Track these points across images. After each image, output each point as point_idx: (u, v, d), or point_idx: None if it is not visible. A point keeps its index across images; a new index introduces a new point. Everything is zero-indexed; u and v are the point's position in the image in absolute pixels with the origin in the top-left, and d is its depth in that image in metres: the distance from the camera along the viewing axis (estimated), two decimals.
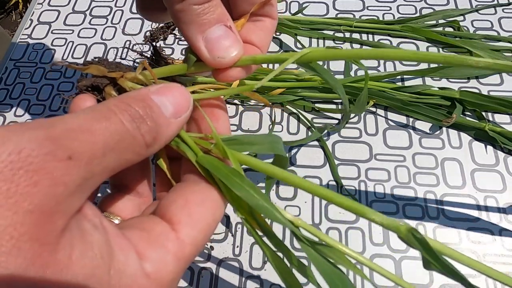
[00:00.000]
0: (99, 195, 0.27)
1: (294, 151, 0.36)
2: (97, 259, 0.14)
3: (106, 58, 0.22)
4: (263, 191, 0.19)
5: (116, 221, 0.19)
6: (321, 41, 0.43)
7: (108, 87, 0.21)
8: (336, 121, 0.37)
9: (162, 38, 0.45)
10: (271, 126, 0.37)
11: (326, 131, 0.36)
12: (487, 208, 0.31)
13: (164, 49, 0.44)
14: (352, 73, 0.40)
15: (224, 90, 0.21)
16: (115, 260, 0.14)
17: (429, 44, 0.41)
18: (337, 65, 0.41)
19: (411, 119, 0.36)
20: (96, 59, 0.21)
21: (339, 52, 0.19)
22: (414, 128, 0.36)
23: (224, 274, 0.30)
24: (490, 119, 0.35)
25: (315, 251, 0.19)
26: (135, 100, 0.17)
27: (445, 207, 0.32)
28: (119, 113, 0.16)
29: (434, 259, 0.16)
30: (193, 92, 0.21)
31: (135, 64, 0.43)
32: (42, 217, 0.12)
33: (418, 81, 0.38)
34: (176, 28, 0.45)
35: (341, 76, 0.39)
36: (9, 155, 0.12)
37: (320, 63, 0.25)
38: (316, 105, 0.38)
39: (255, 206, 0.17)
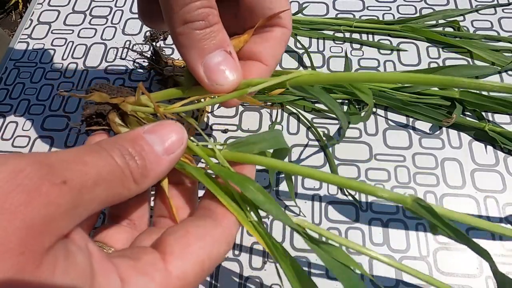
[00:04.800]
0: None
1: (294, 151, 0.36)
2: (79, 278, 0.14)
3: (107, 84, 0.23)
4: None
5: (110, 252, 0.19)
6: (321, 41, 0.43)
7: (111, 113, 0.22)
8: (336, 121, 0.37)
9: (162, 38, 0.45)
10: (271, 126, 0.37)
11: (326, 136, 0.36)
12: (487, 208, 0.31)
13: (164, 49, 0.44)
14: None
15: (215, 99, 0.22)
16: (96, 281, 0.14)
17: (429, 44, 0.41)
18: (337, 66, 0.41)
19: (411, 119, 0.36)
20: (98, 85, 0.22)
21: (331, 76, 0.20)
22: (414, 128, 0.36)
23: (224, 274, 0.30)
24: (490, 119, 0.35)
25: (323, 250, 0.19)
26: (126, 140, 0.17)
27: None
28: (110, 150, 0.17)
29: (440, 222, 0.16)
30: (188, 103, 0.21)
31: (135, 64, 0.43)
32: (29, 235, 0.13)
33: None
34: None
35: None
36: (10, 174, 0.13)
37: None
38: (316, 105, 0.38)
39: (270, 210, 0.18)
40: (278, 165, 0.20)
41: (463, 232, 0.16)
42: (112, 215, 0.21)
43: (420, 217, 0.17)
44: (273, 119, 0.38)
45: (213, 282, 0.30)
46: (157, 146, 0.18)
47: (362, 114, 0.37)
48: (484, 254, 0.17)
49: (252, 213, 0.20)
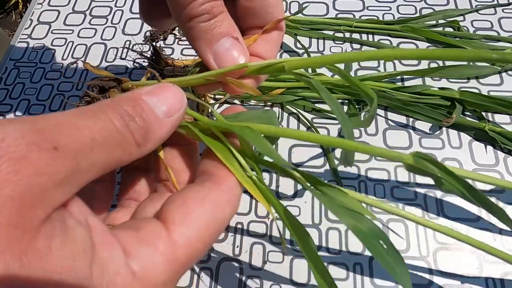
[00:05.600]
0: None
1: (294, 151, 0.36)
2: (78, 252, 0.13)
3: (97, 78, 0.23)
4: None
5: None
6: (321, 41, 0.43)
7: (113, 90, 0.22)
8: (336, 121, 0.37)
9: (162, 38, 0.45)
10: None
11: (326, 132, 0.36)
12: None
13: (164, 49, 0.44)
14: (352, 73, 0.40)
15: (218, 71, 0.22)
16: (97, 255, 0.14)
17: (429, 44, 0.41)
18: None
19: (411, 119, 0.36)
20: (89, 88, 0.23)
21: (327, 57, 0.21)
22: (414, 128, 0.36)
23: (224, 274, 0.30)
24: (490, 119, 0.35)
25: (324, 193, 0.19)
26: (126, 100, 0.17)
27: (445, 207, 0.32)
28: (108, 112, 0.16)
29: (448, 175, 0.15)
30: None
31: (135, 64, 0.43)
32: (22, 205, 0.12)
33: (418, 81, 0.38)
34: (176, 28, 0.45)
35: None
36: None
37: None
38: (316, 105, 0.38)
39: (268, 153, 0.18)
40: (266, 130, 0.20)
41: (473, 186, 0.15)
42: (121, 199, 0.22)
43: (424, 174, 0.16)
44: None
45: (213, 282, 0.30)
46: (157, 109, 0.17)
47: (363, 114, 0.37)
48: (500, 213, 0.16)
49: (253, 171, 0.19)
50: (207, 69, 0.22)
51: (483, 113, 0.35)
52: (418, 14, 0.43)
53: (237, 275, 0.30)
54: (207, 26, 0.20)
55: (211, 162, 0.19)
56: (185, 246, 0.16)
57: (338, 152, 0.35)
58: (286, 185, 0.34)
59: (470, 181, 0.16)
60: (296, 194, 0.33)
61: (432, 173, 0.16)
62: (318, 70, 0.40)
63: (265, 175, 0.34)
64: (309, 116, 0.37)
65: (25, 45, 0.46)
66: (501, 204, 0.31)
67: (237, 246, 0.31)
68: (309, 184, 0.19)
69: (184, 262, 0.16)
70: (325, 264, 0.23)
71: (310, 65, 0.21)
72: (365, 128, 0.36)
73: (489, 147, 0.34)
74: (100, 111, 0.16)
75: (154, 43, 0.44)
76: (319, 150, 0.35)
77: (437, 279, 0.29)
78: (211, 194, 0.18)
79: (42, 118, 0.14)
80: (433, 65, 0.39)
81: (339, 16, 0.45)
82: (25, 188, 0.12)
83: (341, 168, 0.34)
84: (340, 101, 0.38)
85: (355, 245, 0.31)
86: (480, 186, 0.32)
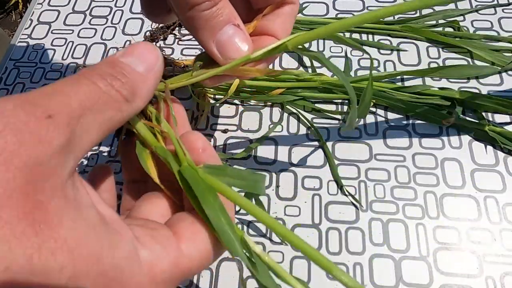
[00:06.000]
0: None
1: (294, 151, 0.36)
2: (90, 228, 0.14)
3: None
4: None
5: None
6: (321, 41, 0.43)
7: None
8: (336, 122, 0.37)
9: (162, 38, 0.45)
10: (271, 126, 0.37)
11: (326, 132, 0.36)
12: (487, 208, 0.31)
13: (164, 49, 0.44)
14: (352, 73, 0.40)
15: (226, 66, 0.22)
16: (109, 236, 0.14)
17: (429, 44, 0.41)
18: (337, 65, 0.41)
19: (411, 119, 0.36)
20: None
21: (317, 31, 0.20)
22: (414, 128, 0.36)
23: (224, 274, 0.30)
24: (490, 119, 0.35)
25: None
26: (104, 63, 0.17)
27: (445, 207, 0.32)
28: (90, 76, 0.16)
29: None
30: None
31: None
32: (31, 174, 0.12)
33: (418, 81, 0.38)
34: (176, 28, 0.45)
35: None
36: None
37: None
38: (316, 105, 0.38)
39: (220, 231, 0.17)
40: (246, 207, 0.19)
41: None
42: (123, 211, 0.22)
43: None
44: (273, 119, 0.38)
45: (213, 282, 0.30)
46: (136, 66, 0.18)
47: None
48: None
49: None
50: (210, 62, 0.22)
51: (483, 113, 0.35)
52: (418, 14, 0.43)
53: (237, 275, 0.30)
54: (209, 14, 0.20)
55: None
56: (189, 258, 0.17)
57: (338, 152, 0.35)
58: (287, 185, 0.34)
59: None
60: (296, 194, 0.33)
61: None
62: (318, 70, 0.40)
63: (265, 175, 0.34)
64: (309, 116, 0.37)
65: (25, 45, 0.46)
66: (501, 204, 0.31)
67: None
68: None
69: (184, 272, 0.17)
70: None
71: (314, 38, 0.20)
72: (365, 128, 0.36)
73: (489, 147, 0.34)
74: (82, 77, 0.16)
75: (154, 43, 0.44)
76: (319, 150, 0.35)
77: (437, 279, 0.29)
78: None
79: (33, 91, 0.14)
80: (433, 65, 0.39)
81: (339, 16, 0.45)
82: (32, 158, 0.13)
83: (341, 168, 0.34)
84: (340, 101, 0.38)
85: (355, 245, 0.31)
86: (480, 186, 0.32)
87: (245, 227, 0.32)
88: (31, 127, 0.13)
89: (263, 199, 0.33)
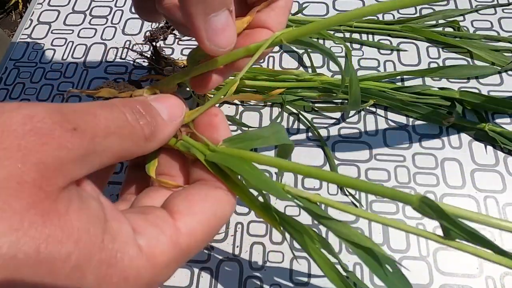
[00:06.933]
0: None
1: (294, 151, 0.36)
2: (92, 218, 0.15)
3: (113, 81, 0.24)
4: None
5: None
6: (321, 41, 0.43)
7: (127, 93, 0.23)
8: (336, 122, 0.37)
9: (162, 38, 0.45)
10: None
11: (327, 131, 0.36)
12: (487, 208, 0.31)
13: (164, 49, 0.44)
14: None
15: (212, 100, 0.22)
16: (108, 225, 0.15)
17: (429, 44, 0.41)
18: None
19: (411, 119, 0.36)
20: (105, 83, 0.23)
21: (310, 26, 0.20)
22: (414, 128, 0.36)
23: (224, 274, 0.30)
24: (490, 119, 0.35)
25: (338, 228, 0.19)
26: (136, 101, 0.19)
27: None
28: (122, 106, 0.18)
29: (450, 223, 0.16)
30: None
31: (135, 63, 0.43)
32: (46, 171, 0.14)
33: (418, 81, 0.38)
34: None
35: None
36: (23, 118, 0.14)
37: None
38: (316, 105, 0.38)
39: (265, 187, 0.18)
40: (277, 163, 0.20)
41: (479, 234, 0.15)
42: (123, 193, 0.23)
43: (426, 216, 0.16)
44: (273, 119, 0.38)
45: (213, 282, 0.30)
46: (162, 113, 0.19)
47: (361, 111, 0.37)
48: (505, 254, 0.16)
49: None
50: (206, 58, 0.22)
51: (483, 113, 0.35)
52: (418, 14, 0.43)
53: (237, 275, 0.30)
54: None
55: (203, 173, 0.20)
56: (188, 234, 0.17)
57: (338, 152, 0.35)
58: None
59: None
60: None
61: (435, 219, 0.16)
62: (318, 70, 0.40)
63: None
64: (309, 116, 0.37)
65: (25, 45, 0.46)
66: (501, 204, 0.31)
67: (237, 246, 0.31)
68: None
69: (184, 250, 0.17)
70: None
71: (306, 33, 0.20)
72: (365, 128, 0.36)
73: (489, 147, 0.34)
74: (115, 105, 0.17)
75: (154, 43, 0.44)
76: (319, 150, 0.35)
77: (437, 279, 0.29)
78: (213, 192, 0.19)
79: (65, 104, 0.16)
80: (433, 65, 0.39)
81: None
82: (49, 158, 0.14)
83: (341, 168, 0.34)
84: (340, 101, 0.38)
85: None
86: (480, 186, 0.32)
87: (245, 227, 0.32)
88: (55, 134, 0.14)
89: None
